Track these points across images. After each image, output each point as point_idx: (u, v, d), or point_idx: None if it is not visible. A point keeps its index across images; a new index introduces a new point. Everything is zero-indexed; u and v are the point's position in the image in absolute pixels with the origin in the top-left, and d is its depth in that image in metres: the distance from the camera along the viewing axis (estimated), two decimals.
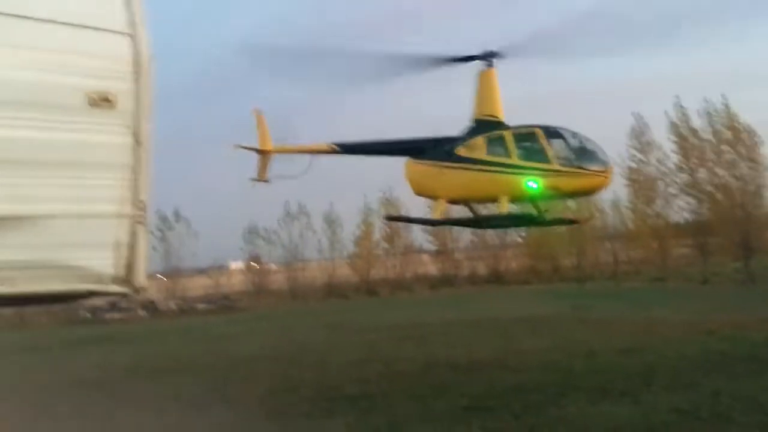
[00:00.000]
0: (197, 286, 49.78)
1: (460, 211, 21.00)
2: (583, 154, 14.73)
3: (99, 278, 4.72)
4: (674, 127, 41.89)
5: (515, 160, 15.01)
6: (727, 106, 41.41)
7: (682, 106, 41.92)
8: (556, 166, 14.59)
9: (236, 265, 55.07)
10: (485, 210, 18.69)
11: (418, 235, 50.40)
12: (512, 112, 16.22)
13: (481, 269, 50.00)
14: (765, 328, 17.92)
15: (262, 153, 17.36)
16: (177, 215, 47.60)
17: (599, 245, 49.56)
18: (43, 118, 4.36)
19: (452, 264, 49.98)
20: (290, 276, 49.53)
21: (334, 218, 49.71)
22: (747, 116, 41.89)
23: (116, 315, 37.98)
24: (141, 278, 4.91)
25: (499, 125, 15.74)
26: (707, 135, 41.66)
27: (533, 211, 16.25)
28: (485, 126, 15.80)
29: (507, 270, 49.57)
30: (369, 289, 47.17)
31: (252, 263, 51.22)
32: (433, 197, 17.00)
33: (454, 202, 17.14)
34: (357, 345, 20.54)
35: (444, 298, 40.83)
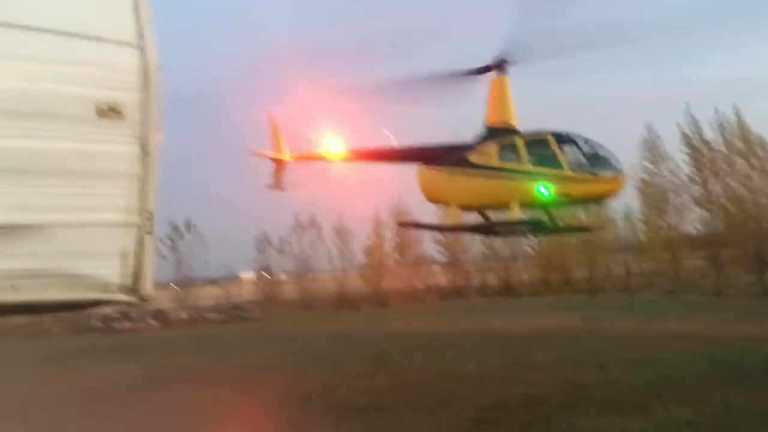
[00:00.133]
0: (208, 296, 49.89)
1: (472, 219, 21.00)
2: (595, 160, 14.63)
3: (105, 287, 4.76)
4: (686, 138, 41.70)
5: (527, 166, 14.95)
6: (739, 116, 41.22)
7: (693, 117, 41.76)
8: (568, 172, 14.51)
9: (247, 275, 55.19)
10: (498, 217, 18.60)
11: (429, 246, 50.42)
12: (525, 119, 16.23)
13: (492, 280, 49.82)
14: None
15: (277, 160, 17.44)
16: (188, 225, 47.85)
17: (611, 257, 49.22)
18: (52, 128, 4.41)
19: (463, 275, 49.83)
20: (301, 286, 49.58)
21: (344, 229, 49.82)
22: (759, 127, 41.62)
23: (127, 324, 38.06)
24: (148, 287, 4.93)
25: (511, 132, 15.72)
26: (719, 146, 41.43)
27: (545, 218, 16.17)
28: (497, 132, 15.79)
29: (518, 281, 49.35)
30: (379, 299, 47.07)
31: (263, 273, 51.33)
32: (445, 204, 16.97)
33: (466, 208, 17.11)
34: (367, 355, 20.49)
35: (454, 309, 40.68)
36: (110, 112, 4.64)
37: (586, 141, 14.97)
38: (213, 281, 53.18)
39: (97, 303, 5.04)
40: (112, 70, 4.67)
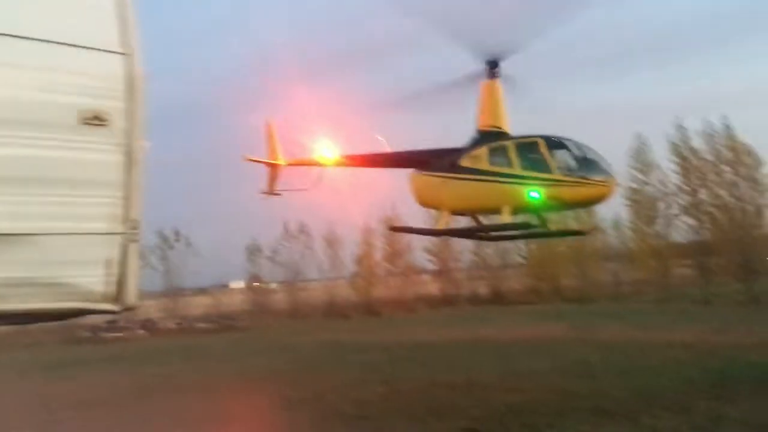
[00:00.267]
0: (197, 305, 49.66)
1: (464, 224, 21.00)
2: (586, 164, 14.58)
3: (89, 296, 4.71)
4: (675, 148, 42.00)
5: (517, 170, 14.90)
6: (727, 126, 41.60)
7: (682, 127, 42.08)
8: (559, 176, 14.44)
9: (237, 284, 55.00)
10: (490, 222, 18.58)
11: (419, 255, 50.42)
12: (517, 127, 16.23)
13: (482, 289, 49.85)
14: (765, 350, 17.79)
15: (272, 166, 17.41)
16: (177, 234, 47.61)
17: (601, 265, 49.41)
18: (35, 136, 4.38)
19: (453, 284, 49.84)
20: (291, 295, 49.43)
21: (335, 237, 49.75)
22: (747, 137, 41.99)
23: (115, 334, 37.81)
24: (132, 297, 4.89)
25: (502, 136, 15.72)
26: (708, 155, 41.76)
27: (537, 222, 16.15)
28: (489, 137, 15.78)
29: (508, 290, 49.38)
30: (370, 308, 46.98)
31: (252, 282, 51.15)
32: (437, 208, 16.95)
33: (458, 213, 17.09)
34: (357, 365, 20.44)
35: (445, 317, 40.64)
36: (94, 120, 4.61)
37: (577, 145, 14.94)
38: (203, 290, 52.96)
39: (81, 312, 4.98)
40: (97, 77, 4.65)
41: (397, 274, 49.85)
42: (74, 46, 4.60)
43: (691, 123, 42.62)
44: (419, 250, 50.12)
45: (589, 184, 14.36)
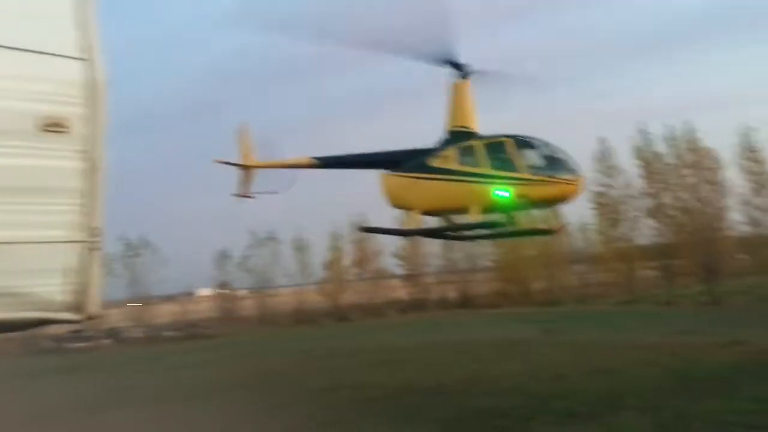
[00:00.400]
0: (164, 313, 49.00)
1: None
2: (553, 163, 14.71)
3: (50, 305, 4.59)
4: (638, 152, 42.74)
5: (486, 169, 15.00)
6: (689, 130, 42.49)
7: (645, 131, 42.84)
8: (526, 175, 14.55)
9: (205, 291, 54.41)
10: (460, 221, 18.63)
11: (389, 260, 50.50)
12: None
13: (452, 293, 50.09)
14: (727, 350, 18.17)
15: (245, 168, 17.29)
16: (144, 241, 46.91)
17: (568, 268, 50.07)
18: None
19: (422, 288, 50.00)
20: (260, 302, 49.05)
21: (303, 244, 49.53)
22: (709, 140, 42.98)
23: (80, 344, 37.12)
24: (94, 306, 4.78)
25: (471, 136, 15.82)
26: (670, 159, 42.58)
27: (507, 221, 16.27)
28: (458, 137, 15.86)
29: (477, 294, 49.71)
30: (339, 314, 46.87)
31: (221, 290, 50.64)
32: (408, 209, 16.97)
33: (428, 213, 17.15)
34: (327, 371, 20.33)
35: (414, 322, 40.70)
36: (54, 126, 4.51)
37: (545, 144, 15.08)
38: (170, 298, 52.28)
39: (42, 322, 4.86)
40: (57, 84, 4.54)
41: (366, 279, 49.84)
42: (33, 52, 4.49)
43: (654, 127, 43.51)
44: (389, 255, 50.24)
45: (556, 182, 14.48)
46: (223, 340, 37.26)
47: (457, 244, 49.98)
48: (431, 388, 16.17)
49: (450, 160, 15.55)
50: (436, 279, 51.26)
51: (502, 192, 14.67)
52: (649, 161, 42.52)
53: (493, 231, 17.05)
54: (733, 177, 41.50)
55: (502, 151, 15.03)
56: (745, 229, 41.90)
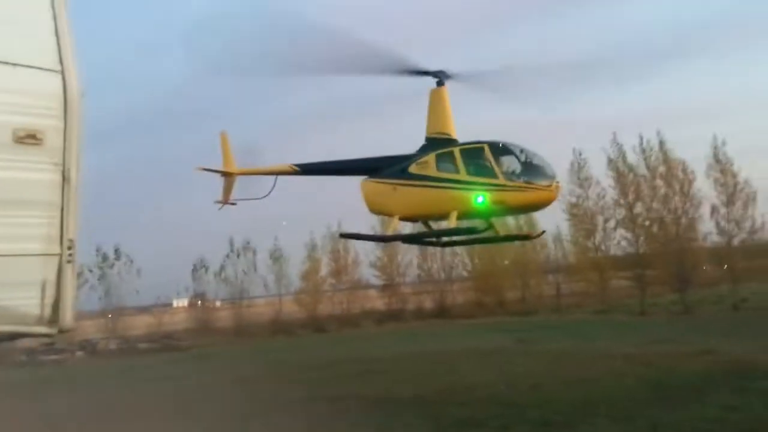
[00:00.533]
0: (139, 325, 48.27)
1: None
2: (530, 169, 14.85)
3: (24, 319, 4.55)
4: (611, 163, 43.31)
5: (463, 175, 15.12)
6: (662, 142, 43.11)
7: (618, 143, 43.40)
8: (503, 181, 14.70)
9: (180, 302, 53.80)
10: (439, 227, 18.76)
11: (365, 271, 50.43)
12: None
13: (428, 303, 50.13)
14: (699, 360, 18.45)
15: (226, 175, 17.28)
16: (118, 252, 46.28)
17: (543, 278, 50.43)
18: None
19: (399, 299, 49.98)
20: (236, 313, 48.63)
21: (279, 254, 49.29)
22: (681, 152, 43.65)
23: (53, 357, 36.47)
24: (68, 319, 4.73)
25: (450, 142, 15.95)
26: (643, 170, 43.16)
27: (485, 227, 16.40)
28: (437, 143, 15.99)
29: (453, 304, 49.81)
30: (316, 325, 46.64)
31: (196, 301, 50.12)
32: (387, 215, 17.07)
33: (407, 219, 17.25)
34: (302, 383, 20.23)
35: (391, 333, 40.69)
36: (28, 138, 4.48)
37: (521, 150, 15.21)
38: (144, 309, 51.58)
39: (15, 336, 4.82)
40: (31, 96, 4.52)
41: (343, 289, 49.70)
42: (8, 63, 4.47)
43: (627, 139, 44.03)
44: (365, 266, 50.20)
45: (533, 188, 14.63)
46: (198, 352, 36.88)
47: (433, 255, 50.26)
48: (408, 399, 16.19)
49: (428, 166, 15.68)
50: (412, 289, 51.28)
51: (479, 198, 14.81)
52: (622, 172, 43.08)
53: (471, 237, 17.20)
54: (705, 188, 42.25)
55: (479, 158, 15.16)
56: (716, 239, 42.65)
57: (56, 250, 4.68)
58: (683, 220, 42.08)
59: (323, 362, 25.28)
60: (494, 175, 14.76)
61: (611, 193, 43.38)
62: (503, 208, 15.10)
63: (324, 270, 50.04)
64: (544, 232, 23.60)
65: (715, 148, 41.78)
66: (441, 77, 16.07)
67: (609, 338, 26.37)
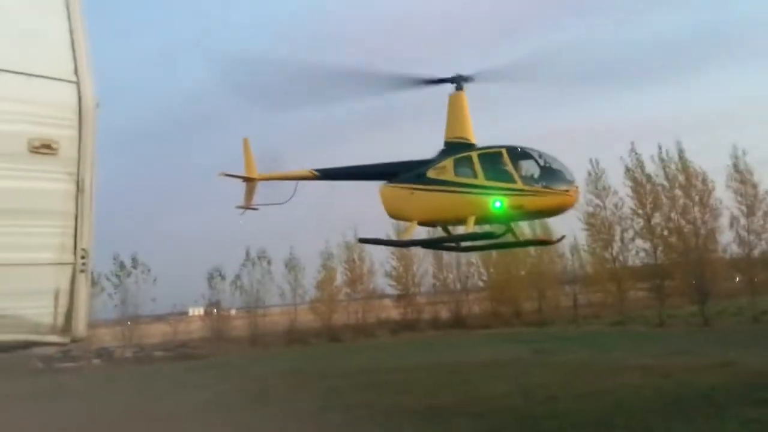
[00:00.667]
0: (155, 333, 48.51)
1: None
2: (549, 173, 14.79)
3: (36, 328, 4.57)
4: (629, 173, 42.97)
5: (481, 180, 15.11)
6: (681, 151, 42.71)
7: (636, 152, 43.05)
8: (521, 186, 14.66)
9: (196, 311, 54.03)
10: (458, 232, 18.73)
11: (380, 280, 50.36)
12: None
13: (443, 313, 49.93)
14: (718, 372, 18.18)
15: (248, 180, 17.43)
16: (135, 261, 46.60)
17: (560, 289, 50.08)
18: None
19: (414, 309, 49.84)
20: (251, 322, 48.72)
21: (295, 263, 49.36)
22: (700, 162, 43.22)
23: (69, 364, 36.73)
24: (80, 328, 4.75)
25: (468, 147, 15.95)
26: (662, 180, 42.79)
27: (505, 231, 16.35)
28: (455, 148, 16.00)
29: (469, 314, 49.60)
30: (331, 334, 46.62)
31: (212, 309, 50.29)
32: (406, 219, 17.11)
33: (425, 223, 17.27)
34: (317, 392, 20.21)
35: (406, 343, 40.58)
36: (43, 148, 4.52)
37: (540, 155, 15.16)
38: (160, 318, 51.87)
39: (28, 344, 4.84)
40: (46, 105, 4.56)
41: (358, 299, 49.67)
42: (24, 74, 4.52)
43: (645, 148, 43.69)
44: (380, 275, 50.15)
45: (552, 193, 14.56)
46: (214, 360, 37.00)
47: (449, 264, 50.17)
48: (423, 410, 16.11)
49: (446, 171, 15.69)
50: (428, 299, 51.14)
51: (497, 203, 14.77)
52: (640, 182, 42.71)
53: (491, 242, 17.15)
54: (725, 198, 41.77)
55: (497, 162, 15.13)
56: (735, 250, 42.13)
57: (70, 259, 4.70)
58: (702, 231, 41.60)
59: (338, 372, 25.25)
60: (512, 180, 14.73)
61: (629, 203, 43.04)
62: (521, 212, 15.04)
63: (339, 279, 50.11)
64: (564, 237, 23.51)
65: (736, 157, 41.31)
66: (459, 82, 16.08)
67: (627, 349, 26.09)
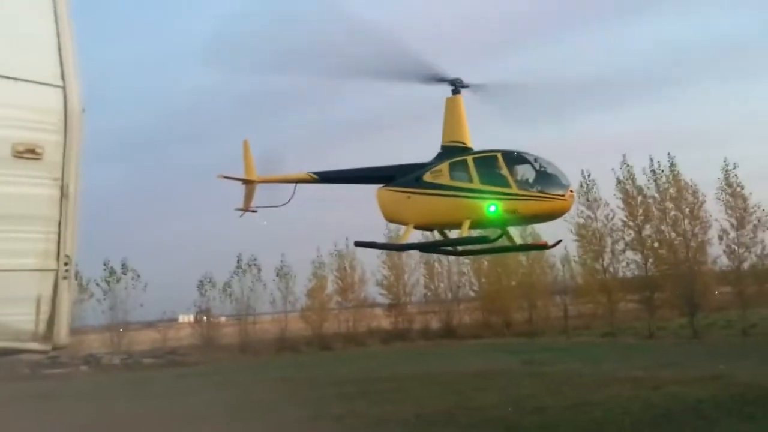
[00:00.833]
0: (144, 339, 48.24)
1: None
2: (544, 178, 14.78)
3: (18, 335, 4.50)
4: (620, 185, 43.13)
5: (476, 184, 15.12)
6: (672, 164, 42.94)
7: (627, 164, 43.25)
8: (516, 190, 14.66)
9: (186, 318, 53.75)
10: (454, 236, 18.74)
11: (372, 289, 50.26)
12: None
13: (434, 323, 49.85)
14: (708, 385, 18.19)
15: (247, 182, 17.42)
16: (125, 267, 46.35)
17: (550, 300, 50.13)
18: None
19: (405, 318, 49.75)
20: (241, 329, 48.48)
21: (286, 271, 49.20)
22: (691, 175, 43.45)
23: (56, 371, 36.38)
24: (62, 335, 4.68)
25: (464, 151, 15.98)
26: (652, 192, 43.00)
27: (500, 236, 16.35)
28: (451, 152, 16.03)
29: (460, 324, 49.53)
30: (322, 343, 46.44)
31: (202, 316, 50.02)
32: (402, 223, 17.14)
33: (421, 227, 17.28)
34: (307, 401, 20.10)
35: (397, 352, 40.48)
36: (28, 153, 4.46)
37: (536, 159, 15.19)
38: (150, 324, 51.57)
39: (9, 351, 4.77)
40: (32, 110, 4.51)
41: (349, 308, 49.54)
42: (8, 78, 4.47)
43: (637, 161, 43.87)
44: (371, 284, 50.07)
45: (547, 198, 14.56)
46: (203, 368, 36.75)
47: (440, 274, 50.17)
48: (412, 419, 16.03)
49: (441, 174, 15.70)
50: (418, 309, 51.07)
51: (492, 207, 14.77)
52: (631, 194, 42.89)
53: (486, 246, 17.18)
54: (715, 211, 41.97)
55: (492, 166, 15.14)
56: (725, 263, 42.30)
57: (53, 265, 4.64)
58: (692, 243, 41.78)
59: (328, 381, 25.14)
60: (507, 184, 14.73)
61: (620, 215, 43.20)
62: (516, 217, 15.03)
63: (330, 288, 49.97)
64: (560, 241, 23.64)
65: (726, 171, 41.53)
66: (457, 85, 16.12)
67: (616, 361, 26.09)
